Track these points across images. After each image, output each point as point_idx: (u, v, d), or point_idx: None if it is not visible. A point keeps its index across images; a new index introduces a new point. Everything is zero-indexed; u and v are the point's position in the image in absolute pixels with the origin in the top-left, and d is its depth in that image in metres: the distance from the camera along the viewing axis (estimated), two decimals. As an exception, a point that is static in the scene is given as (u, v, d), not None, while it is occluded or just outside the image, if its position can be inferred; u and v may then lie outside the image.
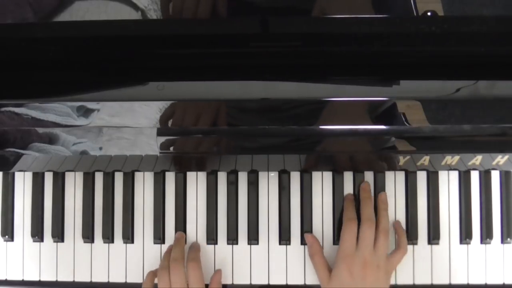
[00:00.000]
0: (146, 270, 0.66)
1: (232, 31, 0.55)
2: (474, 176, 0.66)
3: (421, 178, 0.66)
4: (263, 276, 0.65)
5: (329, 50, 0.57)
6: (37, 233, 0.67)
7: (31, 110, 0.55)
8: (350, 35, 0.55)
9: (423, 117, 0.54)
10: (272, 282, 0.65)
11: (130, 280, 0.66)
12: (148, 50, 0.58)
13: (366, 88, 0.55)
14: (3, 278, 0.68)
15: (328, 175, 0.66)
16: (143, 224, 0.67)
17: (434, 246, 0.65)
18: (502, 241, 0.65)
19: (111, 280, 0.66)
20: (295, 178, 0.66)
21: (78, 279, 0.67)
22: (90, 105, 0.55)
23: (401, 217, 0.66)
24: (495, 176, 0.65)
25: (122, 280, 0.66)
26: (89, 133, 0.57)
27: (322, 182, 0.66)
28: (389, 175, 0.66)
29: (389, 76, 0.56)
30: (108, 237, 0.66)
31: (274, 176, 0.66)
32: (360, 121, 0.54)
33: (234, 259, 0.66)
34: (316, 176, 0.66)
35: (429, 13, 0.51)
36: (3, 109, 0.56)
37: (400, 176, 0.66)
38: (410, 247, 0.65)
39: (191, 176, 0.67)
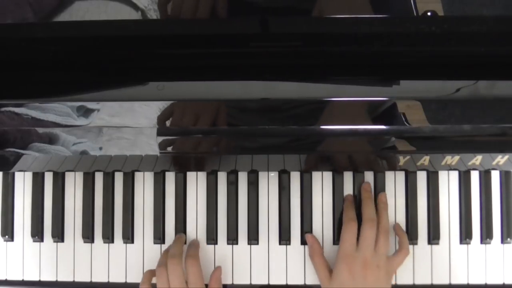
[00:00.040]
0: (146, 270, 0.65)
1: (232, 31, 0.55)
2: (474, 176, 0.66)
3: (421, 178, 0.66)
4: (263, 276, 0.65)
5: (329, 50, 0.57)
6: (37, 233, 0.67)
7: (31, 110, 0.55)
8: (350, 35, 0.55)
9: (423, 117, 0.54)
10: (272, 282, 0.65)
11: (130, 280, 0.66)
12: (148, 50, 0.58)
13: (366, 88, 0.55)
14: (3, 278, 0.68)
15: (328, 175, 0.66)
16: (143, 224, 0.67)
17: (434, 246, 0.65)
18: (502, 241, 0.65)
19: (111, 280, 0.66)
20: (295, 178, 0.66)
21: (78, 279, 0.67)
22: (90, 105, 0.55)
23: (401, 217, 0.66)
24: (495, 176, 0.65)
25: (122, 280, 0.66)
26: (89, 133, 0.57)
27: (322, 182, 0.66)
28: (389, 175, 0.66)
29: (389, 76, 0.56)
30: (108, 237, 0.66)
31: (274, 176, 0.66)
32: (360, 121, 0.54)
33: (234, 259, 0.66)
34: (316, 176, 0.66)
35: (429, 13, 0.51)
36: (3, 109, 0.56)
37: (400, 176, 0.66)
38: (410, 247, 0.64)
39: (191, 176, 0.67)
